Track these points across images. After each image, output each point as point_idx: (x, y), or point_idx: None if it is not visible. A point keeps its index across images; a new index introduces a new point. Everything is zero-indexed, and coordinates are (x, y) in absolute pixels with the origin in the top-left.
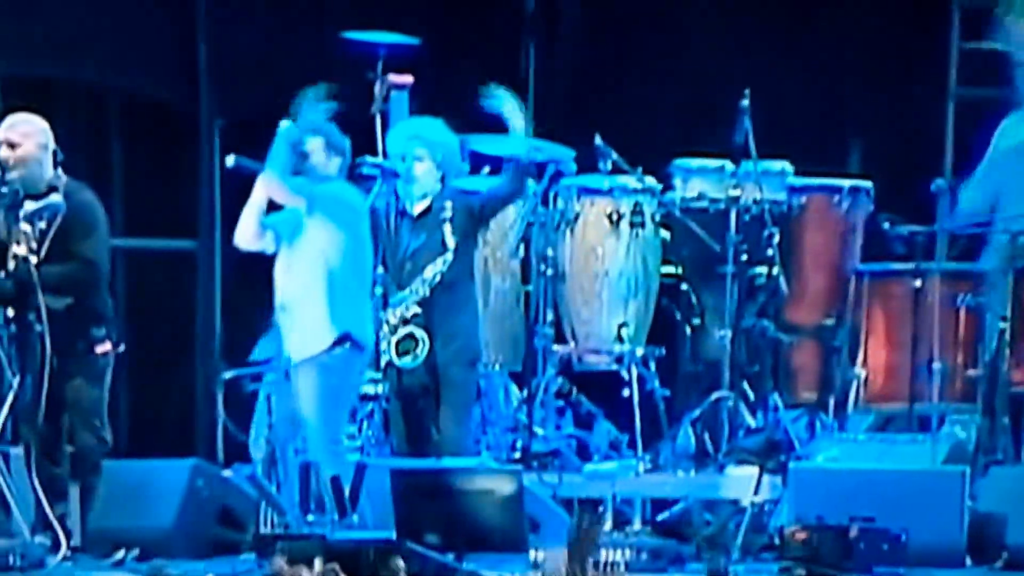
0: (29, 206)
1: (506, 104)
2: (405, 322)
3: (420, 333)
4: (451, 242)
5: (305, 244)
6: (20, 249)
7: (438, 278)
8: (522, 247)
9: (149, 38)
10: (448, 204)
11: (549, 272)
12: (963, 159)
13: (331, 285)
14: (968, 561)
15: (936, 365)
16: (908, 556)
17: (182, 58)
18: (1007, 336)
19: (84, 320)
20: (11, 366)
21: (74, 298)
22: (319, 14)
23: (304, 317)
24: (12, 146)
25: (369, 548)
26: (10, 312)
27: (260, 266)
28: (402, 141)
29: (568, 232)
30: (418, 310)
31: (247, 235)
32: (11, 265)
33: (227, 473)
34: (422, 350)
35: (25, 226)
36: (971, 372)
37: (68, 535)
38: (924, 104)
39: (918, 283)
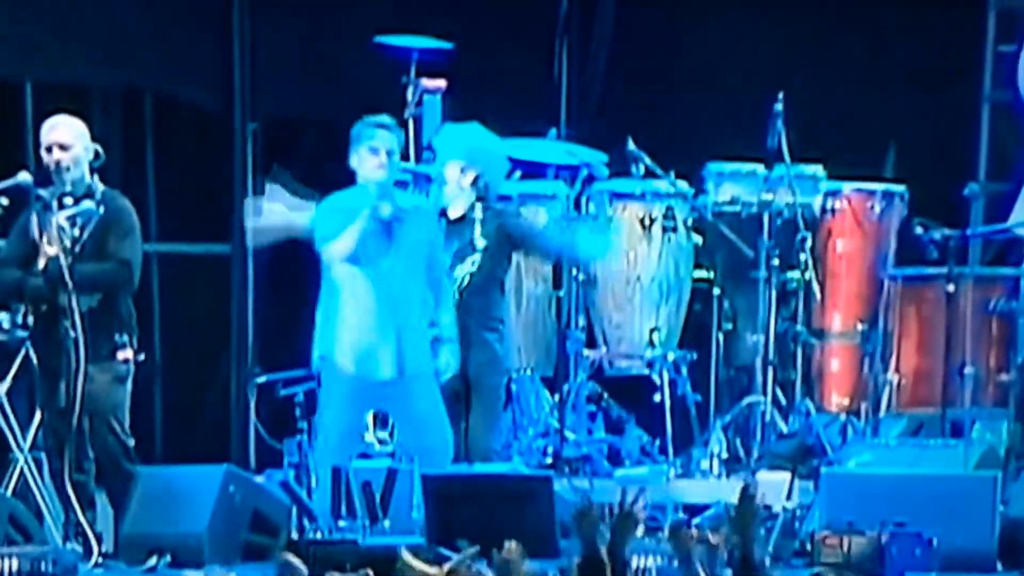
0: (66, 209)
1: None
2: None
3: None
4: (480, 243)
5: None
6: (52, 248)
7: (467, 280)
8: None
9: (184, 42)
10: (479, 207)
11: (581, 277)
12: (997, 163)
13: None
14: (999, 566)
15: (968, 370)
16: (939, 561)
17: (217, 62)
18: None
19: (108, 325)
20: (40, 367)
21: (101, 301)
22: (353, 18)
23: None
24: (64, 148)
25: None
26: (38, 314)
27: (293, 271)
28: (450, 148)
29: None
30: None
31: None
32: (41, 263)
33: (259, 479)
34: (454, 357)
35: (60, 223)
36: (1003, 377)
37: (99, 541)
38: (958, 107)
39: (951, 288)
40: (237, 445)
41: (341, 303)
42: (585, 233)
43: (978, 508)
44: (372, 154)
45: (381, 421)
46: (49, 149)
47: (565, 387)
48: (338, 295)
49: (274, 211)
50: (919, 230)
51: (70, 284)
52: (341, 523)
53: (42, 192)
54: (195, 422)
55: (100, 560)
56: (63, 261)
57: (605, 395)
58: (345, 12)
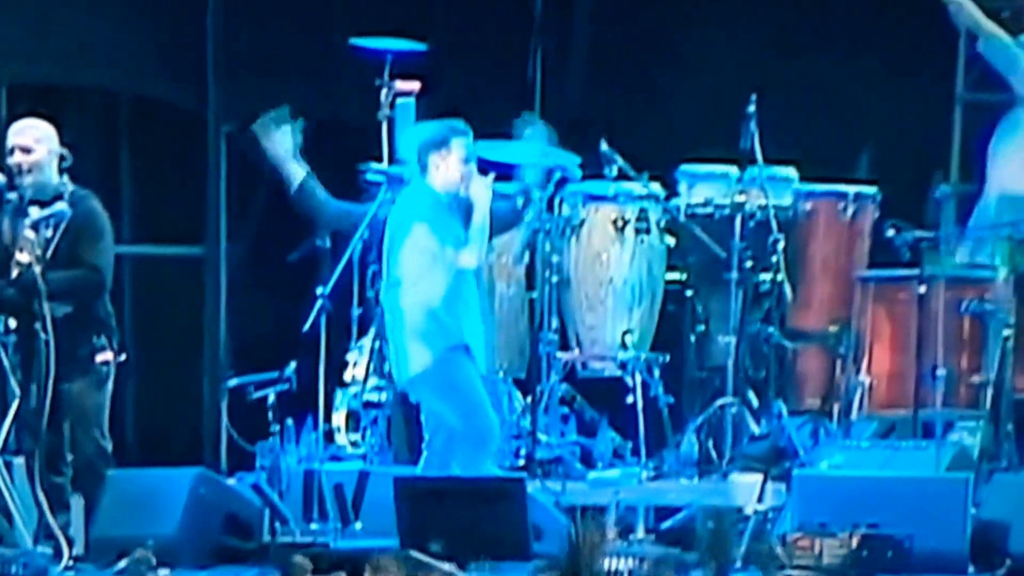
0: (35, 213)
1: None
2: None
3: None
4: None
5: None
6: (24, 256)
7: None
8: (527, 254)
9: (158, 42)
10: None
11: (554, 279)
12: (970, 164)
13: None
14: (971, 568)
15: (940, 372)
16: (912, 563)
17: (190, 63)
18: (1012, 343)
19: (86, 328)
20: (15, 374)
21: (77, 305)
22: (327, 19)
23: None
24: (25, 151)
25: (373, 556)
26: (12, 322)
27: (267, 273)
28: (411, 147)
29: (573, 238)
30: None
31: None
32: (15, 272)
33: (231, 481)
34: None
35: (30, 233)
36: (975, 379)
37: (70, 544)
38: (930, 109)
39: (923, 289)
40: (209, 448)
41: (460, 300)
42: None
43: (950, 510)
44: (464, 163)
45: (353, 423)
46: (12, 152)
47: (538, 389)
48: (461, 291)
49: (280, 143)
50: (891, 232)
51: (43, 292)
52: (313, 526)
53: (11, 196)
54: (167, 425)
55: (71, 563)
56: (36, 269)
57: (578, 397)
58: (319, 13)
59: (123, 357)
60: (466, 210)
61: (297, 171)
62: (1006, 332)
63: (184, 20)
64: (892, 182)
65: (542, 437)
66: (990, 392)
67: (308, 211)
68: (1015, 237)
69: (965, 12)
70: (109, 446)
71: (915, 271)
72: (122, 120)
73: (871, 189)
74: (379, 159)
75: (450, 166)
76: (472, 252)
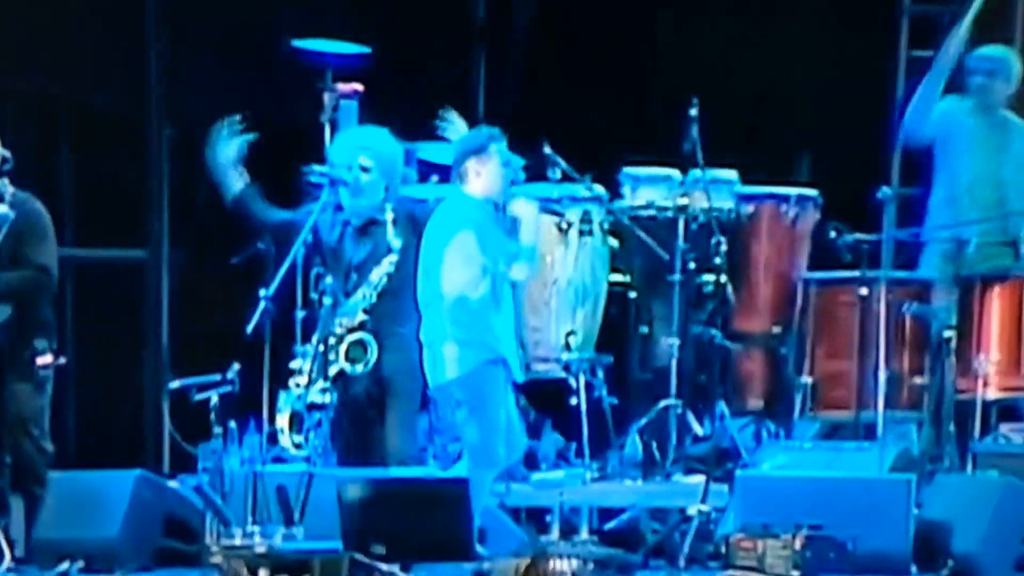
0: None
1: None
2: (352, 330)
3: (369, 339)
4: (396, 243)
5: None
6: None
7: (385, 280)
8: None
9: (98, 46)
10: (391, 208)
11: None
12: (910, 167)
13: None
14: (914, 569)
15: (882, 373)
16: (854, 564)
17: (131, 67)
18: (953, 344)
19: (28, 330)
20: None
21: (18, 308)
22: (268, 22)
23: None
24: None
25: (314, 558)
26: None
27: (208, 277)
28: (348, 150)
29: (517, 240)
30: (365, 317)
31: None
32: None
33: (173, 484)
34: (371, 357)
35: None
36: (917, 380)
37: (11, 546)
38: (871, 112)
39: (864, 291)
40: (151, 450)
41: (501, 312)
42: None
43: (893, 511)
44: (506, 167)
45: (297, 425)
46: None
47: None
48: (500, 301)
49: (224, 153)
50: (833, 234)
51: None
52: (255, 528)
53: None
54: (109, 427)
55: (12, 565)
56: None
57: (522, 399)
58: (261, 16)
59: (62, 360)
60: (510, 222)
61: (235, 182)
62: (947, 333)
63: (124, 24)
64: (833, 185)
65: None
66: (932, 393)
67: (244, 220)
68: (957, 239)
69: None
70: (50, 448)
71: (856, 273)
72: (63, 124)
73: (812, 192)
74: (321, 162)
75: (491, 172)
76: (523, 266)
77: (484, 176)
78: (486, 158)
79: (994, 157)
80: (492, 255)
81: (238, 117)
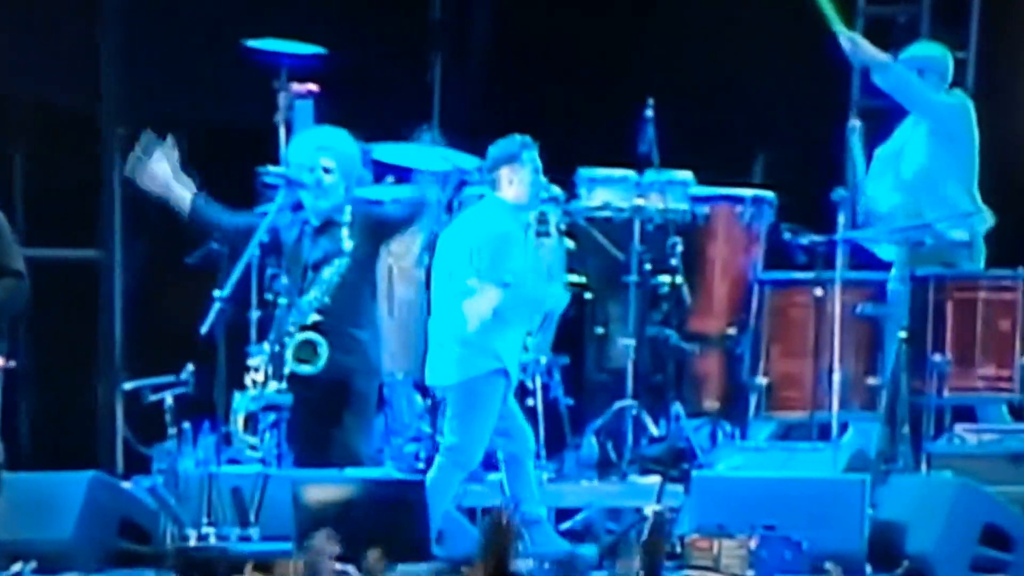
0: None
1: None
2: (304, 329)
3: (318, 339)
4: (348, 244)
5: None
6: None
7: (336, 279)
8: (427, 256)
9: (51, 45)
10: (347, 209)
11: None
12: (864, 170)
13: None
14: (869, 569)
15: (837, 373)
16: (809, 564)
17: (84, 66)
18: (907, 344)
19: None
20: None
21: None
22: (223, 22)
23: None
24: None
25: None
26: None
27: (162, 277)
28: (308, 151)
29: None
30: (319, 318)
31: None
32: None
33: (127, 485)
34: (321, 357)
35: None
36: (871, 380)
37: None
38: (825, 115)
39: (819, 292)
40: (105, 451)
41: (513, 321)
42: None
43: (847, 511)
44: (536, 175)
45: (252, 426)
46: None
47: (437, 392)
48: (516, 313)
49: (156, 175)
50: (787, 235)
51: None
52: (210, 529)
53: None
54: (62, 428)
55: None
56: None
57: None
58: (216, 16)
59: (12, 364)
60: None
61: (183, 194)
62: (901, 334)
63: (77, 23)
64: (788, 186)
65: (441, 439)
66: (886, 394)
67: (204, 229)
68: (910, 240)
69: (860, 50)
70: (2, 451)
71: (811, 274)
72: (15, 123)
73: (768, 193)
74: (276, 162)
75: (523, 180)
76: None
77: (516, 184)
78: (519, 166)
79: (943, 156)
80: (517, 267)
81: (150, 133)
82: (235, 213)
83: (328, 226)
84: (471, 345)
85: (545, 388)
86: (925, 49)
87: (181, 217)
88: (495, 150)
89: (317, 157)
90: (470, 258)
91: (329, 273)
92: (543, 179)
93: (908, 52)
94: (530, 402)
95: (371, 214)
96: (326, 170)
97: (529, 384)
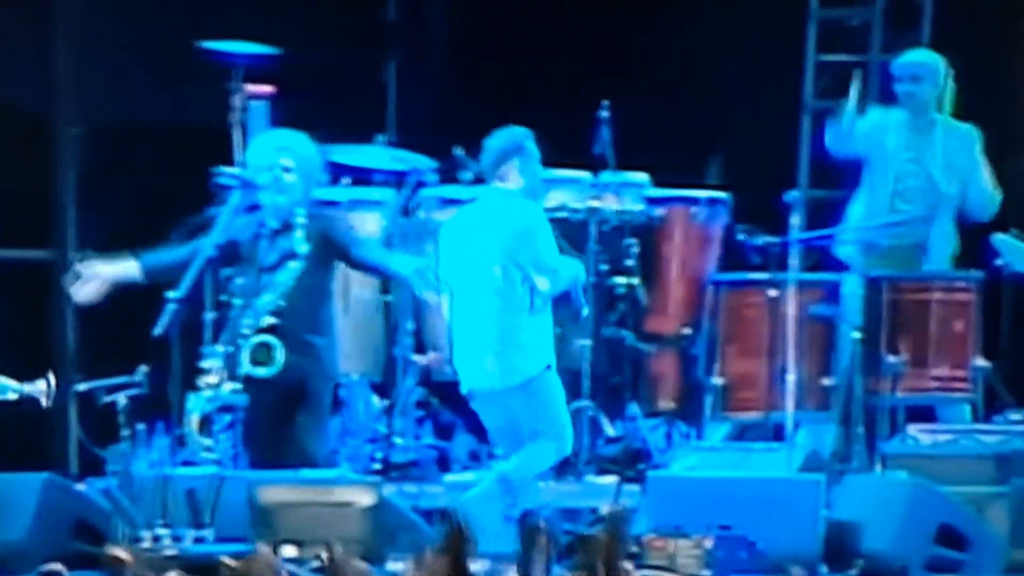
0: None
1: None
2: (260, 332)
3: (275, 342)
4: (303, 248)
5: None
6: None
7: (292, 283)
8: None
9: (3, 45)
10: (303, 212)
11: None
12: (818, 171)
13: None
14: (824, 569)
15: (791, 374)
16: (764, 564)
17: (38, 65)
18: (861, 345)
19: None
20: None
21: None
22: (178, 22)
23: None
24: None
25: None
26: None
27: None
28: (268, 152)
29: (430, 242)
30: (274, 320)
31: None
32: None
33: (81, 487)
34: (277, 360)
35: None
36: (826, 381)
37: None
38: (780, 116)
39: (773, 293)
40: (58, 453)
41: (547, 316)
42: (406, 262)
43: (802, 511)
44: (539, 163)
45: (207, 429)
46: None
47: (394, 393)
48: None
49: (94, 287)
50: (742, 236)
51: None
52: (165, 531)
53: None
54: (15, 430)
55: None
56: None
57: (434, 400)
58: (171, 16)
59: None
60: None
61: (129, 271)
62: (856, 335)
63: (30, 22)
64: (743, 188)
65: (398, 441)
66: (840, 394)
67: (168, 278)
68: (865, 241)
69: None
70: None
71: (766, 275)
72: None
73: (722, 194)
74: (231, 164)
75: (531, 170)
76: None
77: (526, 174)
78: (527, 156)
79: (928, 163)
80: (549, 257)
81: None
82: (182, 244)
83: (285, 228)
84: (525, 345)
85: None
86: (918, 56)
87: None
88: (499, 143)
89: (277, 157)
90: (510, 254)
91: (285, 276)
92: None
93: (902, 60)
94: None
95: (334, 234)
96: (286, 170)
97: None
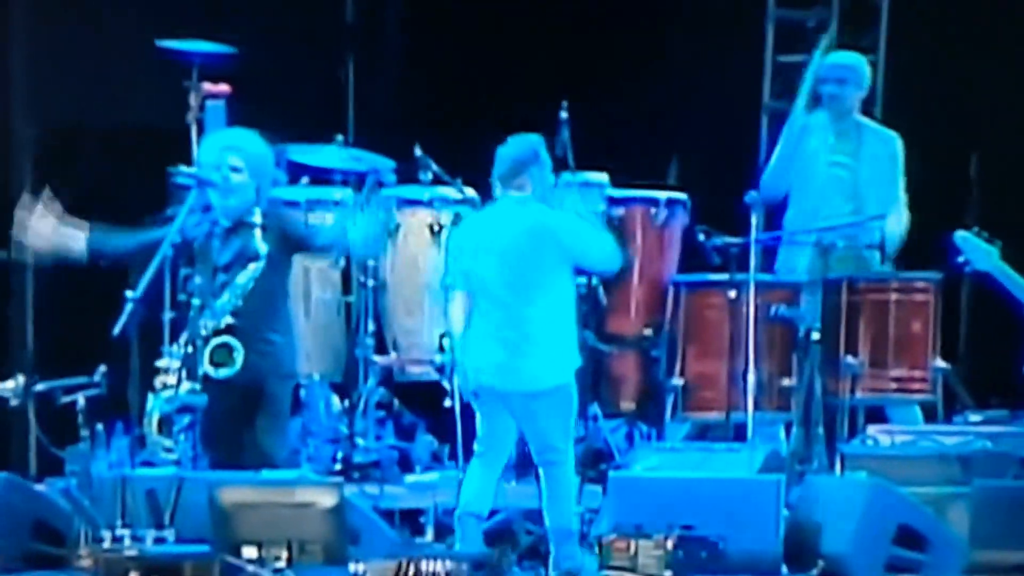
0: None
1: None
2: (218, 332)
3: (234, 343)
4: (262, 248)
5: None
6: None
7: (251, 285)
8: (343, 258)
9: None
10: (259, 212)
11: (371, 283)
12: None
13: None
14: (785, 569)
15: (751, 375)
16: (726, 564)
17: None
18: (820, 346)
19: None
20: None
21: None
22: (134, 22)
23: None
24: None
25: (185, 562)
26: None
27: (73, 278)
28: (216, 151)
29: (390, 243)
30: (232, 320)
31: None
32: None
33: (40, 487)
34: (237, 361)
35: None
36: (785, 382)
37: None
38: (738, 117)
39: (733, 294)
40: (17, 453)
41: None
42: (364, 227)
43: (763, 511)
44: (549, 171)
45: (166, 429)
46: None
47: (355, 393)
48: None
49: (41, 231)
50: (702, 237)
51: None
52: (125, 531)
53: None
54: None
55: None
56: None
57: (395, 401)
58: (127, 15)
59: None
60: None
61: (75, 240)
62: (815, 336)
63: None
64: (702, 188)
65: (359, 441)
66: (800, 395)
67: (113, 262)
68: (822, 243)
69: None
70: None
71: (726, 276)
72: None
73: (682, 195)
74: (188, 163)
75: (547, 177)
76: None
77: (542, 181)
78: (543, 163)
79: (851, 165)
80: (581, 244)
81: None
82: (137, 231)
83: (239, 227)
84: (568, 348)
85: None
86: (844, 58)
87: (81, 263)
88: (514, 152)
89: (225, 157)
90: (560, 256)
91: (243, 277)
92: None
93: (828, 61)
94: (448, 403)
95: (290, 228)
96: (235, 169)
97: (447, 385)
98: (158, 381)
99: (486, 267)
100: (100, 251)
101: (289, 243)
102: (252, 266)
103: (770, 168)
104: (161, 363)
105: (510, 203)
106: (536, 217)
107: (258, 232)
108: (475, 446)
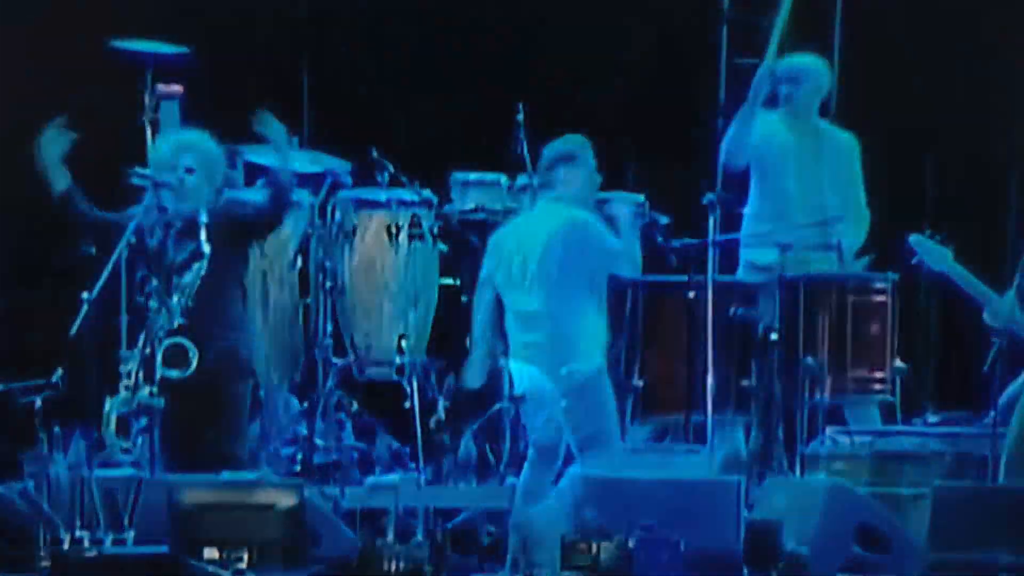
0: None
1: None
2: (172, 333)
3: (187, 343)
4: (206, 248)
5: None
6: None
7: (197, 282)
8: (300, 260)
9: None
10: (206, 211)
11: (328, 284)
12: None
13: None
14: (745, 569)
15: (710, 376)
16: (686, 564)
17: None
18: (779, 347)
19: None
20: None
21: None
22: (87, 22)
23: None
24: None
25: (144, 563)
26: None
27: (30, 279)
28: (170, 152)
29: (347, 245)
30: (184, 320)
31: None
32: None
33: None
34: (192, 361)
35: None
36: (744, 383)
37: None
38: (696, 118)
39: (692, 295)
40: None
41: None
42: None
43: (723, 512)
44: (593, 174)
45: (124, 430)
46: None
47: (314, 395)
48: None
49: (48, 150)
50: (660, 238)
51: None
52: (84, 533)
53: None
54: None
55: None
56: None
57: (354, 402)
58: (79, 15)
59: None
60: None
61: (59, 179)
62: (773, 336)
63: None
64: (660, 190)
65: (319, 443)
66: (759, 396)
67: (73, 219)
68: (780, 243)
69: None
70: None
71: (684, 277)
72: None
73: (638, 197)
74: (143, 163)
75: (581, 179)
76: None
77: (574, 183)
78: (579, 165)
79: (811, 167)
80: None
81: (63, 118)
82: (102, 212)
83: (193, 228)
84: (598, 341)
85: (422, 390)
86: (800, 59)
87: (52, 203)
88: (551, 148)
89: (179, 158)
90: (601, 257)
91: (190, 276)
92: (597, 177)
93: (784, 62)
94: (407, 404)
95: (229, 215)
96: (189, 170)
97: (406, 386)
98: (120, 385)
99: (518, 268)
100: (71, 203)
101: (244, 229)
102: (197, 265)
103: (730, 133)
104: (120, 366)
105: (544, 204)
106: (567, 218)
107: (203, 232)
108: (528, 452)
